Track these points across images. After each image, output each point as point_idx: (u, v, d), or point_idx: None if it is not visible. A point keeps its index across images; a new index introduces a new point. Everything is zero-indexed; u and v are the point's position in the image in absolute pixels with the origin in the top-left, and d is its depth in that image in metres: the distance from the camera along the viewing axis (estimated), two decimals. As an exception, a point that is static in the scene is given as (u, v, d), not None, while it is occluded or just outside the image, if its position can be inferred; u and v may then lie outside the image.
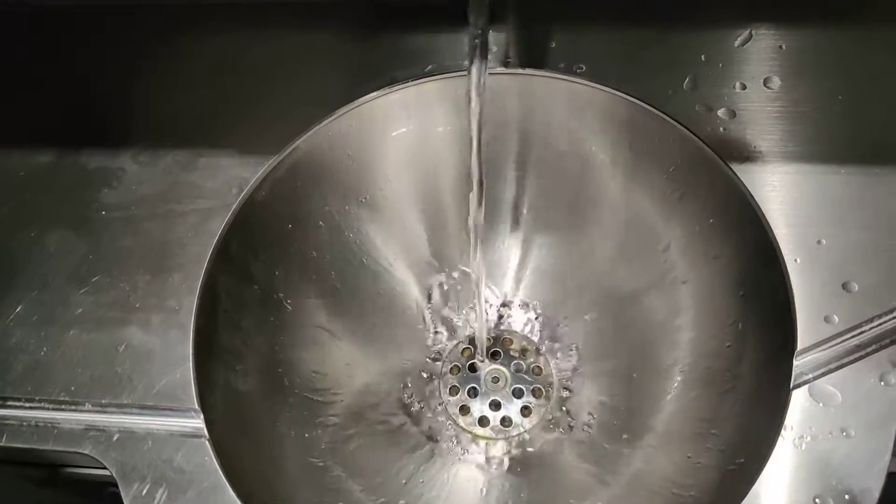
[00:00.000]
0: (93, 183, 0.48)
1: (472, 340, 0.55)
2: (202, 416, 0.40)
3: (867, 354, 0.37)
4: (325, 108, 0.48)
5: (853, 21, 0.47)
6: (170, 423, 0.40)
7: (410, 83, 0.49)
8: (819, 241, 0.40)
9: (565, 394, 0.53)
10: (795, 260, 0.40)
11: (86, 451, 0.39)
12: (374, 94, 0.49)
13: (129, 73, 0.52)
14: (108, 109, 0.51)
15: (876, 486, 0.34)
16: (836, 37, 0.47)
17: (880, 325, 0.38)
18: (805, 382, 0.37)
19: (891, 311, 0.38)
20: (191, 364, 0.41)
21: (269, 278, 0.49)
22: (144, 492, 0.38)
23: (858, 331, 0.38)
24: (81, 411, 0.41)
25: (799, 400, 0.37)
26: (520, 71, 0.49)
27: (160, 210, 0.46)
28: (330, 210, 0.51)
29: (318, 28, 0.52)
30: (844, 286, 0.39)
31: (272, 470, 0.43)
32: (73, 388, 0.41)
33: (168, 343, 0.42)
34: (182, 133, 0.49)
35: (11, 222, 0.47)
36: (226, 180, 0.47)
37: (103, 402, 0.41)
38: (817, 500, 0.34)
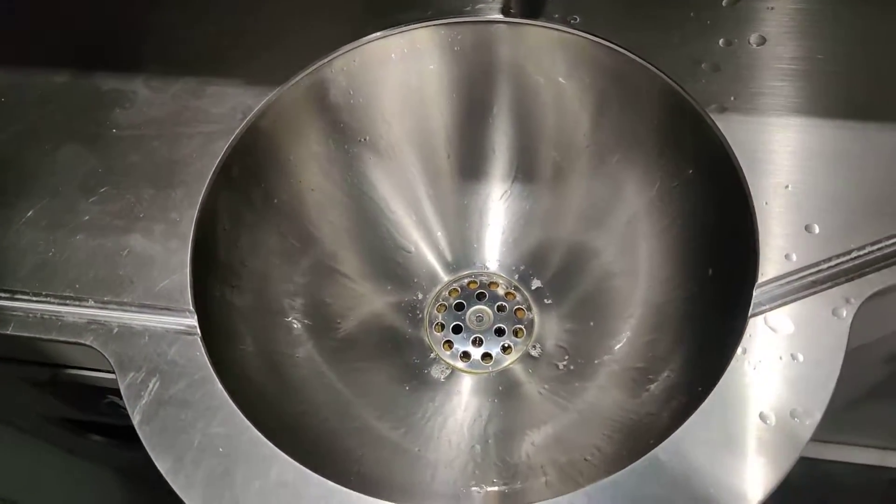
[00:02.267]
0: (106, 103, 0.51)
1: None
2: (196, 316, 0.42)
3: (822, 290, 0.39)
4: (331, 46, 0.51)
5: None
6: (165, 320, 0.42)
7: (410, 27, 0.51)
8: (787, 186, 0.42)
9: (540, 336, 0.55)
10: (765, 203, 0.42)
11: (87, 342, 0.42)
12: (376, 34, 0.51)
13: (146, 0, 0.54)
14: (125, 35, 0.54)
15: (819, 408, 0.37)
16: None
17: (837, 264, 0.40)
18: (762, 312, 0.39)
19: (848, 253, 0.40)
20: (188, 270, 0.44)
21: (267, 205, 0.51)
22: (139, 380, 0.41)
23: (816, 268, 0.40)
24: (84, 306, 0.43)
25: (756, 328, 0.39)
26: (512, 20, 0.51)
27: (168, 131, 0.49)
28: (329, 146, 0.54)
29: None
30: (807, 228, 0.41)
31: (257, 372, 0.45)
32: (77, 286, 0.44)
33: (168, 250, 0.45)
34: (193, 61, 0.52)
35: (28, 136, 0.50)
36: (232, 106, 0.49)
37: (105, 299, 0.43)
38: (762, 414, 0.37)
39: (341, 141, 0.54)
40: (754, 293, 0.40)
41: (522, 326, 0.56)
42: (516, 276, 0.58)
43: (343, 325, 0.53)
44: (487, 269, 0.58)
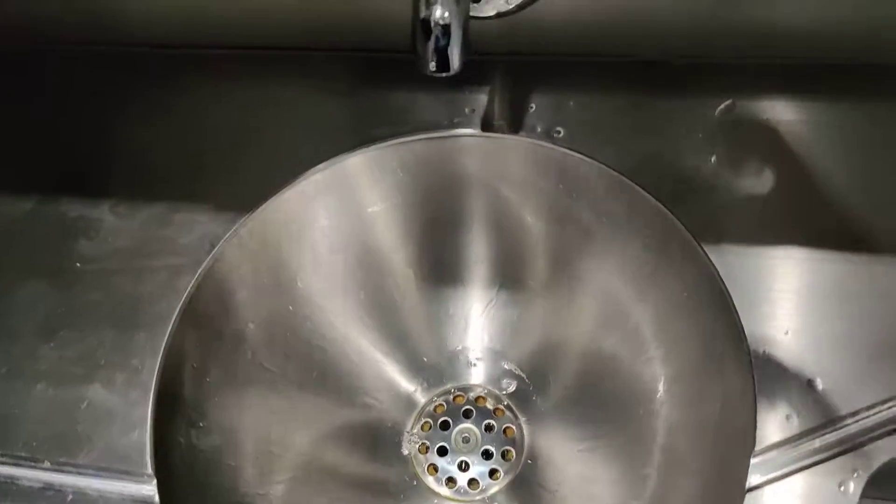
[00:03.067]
0: (71, 233, 0.49)
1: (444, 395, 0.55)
2: (155, 481, 0.40)
3: (826, 460, 0.36)
4: (303, 164, 0.49)
5: (859, 97, 0.45)
6: (123, 487, 0.40)
7: (380, 145, 0.48)
8: (786, 332, 0.39)
9: (532, 460, 0.52)
10: (763, 351, 0.39)
11: (41, 512, 0.40)
12: (346, 154, 0.48)
13: (111, 123, 0.52)
14: (90, 159, 0.52)
15: None
16: (833, 112, 0.46)
17: (842, 427, 0.36)
18: (759, 486, 0.36)
19: (855, 414, 0.37)
20: (148, 426, 0.41)
21: (236, 337, 0.49)
22: (93, 555, 0.38)
23: (819, 434, 0.37)
24: (40, 469, 0.41)
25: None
26: (495, 135, 0.48)
27: (132, 265, 0.47)
28: (300, 274, 0.51)
29: (299, 82, 0.52)
30: (809, 383, 0.38)
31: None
32: (34, 444, 0.42)
33: (128, 402, 0.42)
34: (160, 185, 0.49)
35: (-11, 269, 0.48)
36: (199, 236, 0.47)
37: (61, 460, 0.41)
38: None
39: (314, 265, 0.51)
40: (750, 462, 0.36)
41: (511, 448, 0.53)
42: (505, 390, 0.55)
43: (322, 449, 0.51)
44: (472, 382, 0.55)
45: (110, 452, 0.41)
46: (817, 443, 0.36)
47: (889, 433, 0.36)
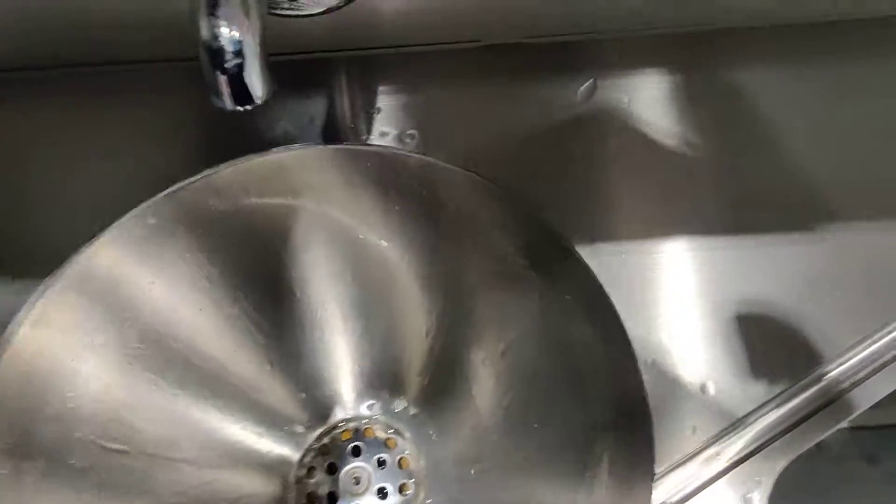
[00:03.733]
0: None
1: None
2: None
3: (728, 470, 0.34)
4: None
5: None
6: None
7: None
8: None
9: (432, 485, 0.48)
10: (650, 362, 0.36)
11: None
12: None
13: None
14: None
15: None
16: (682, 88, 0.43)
17: (739, 433, 0.34)
18: (665, 510, 0.33)
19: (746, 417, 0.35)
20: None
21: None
22: None
23: (718, 442, 0.34)
24: None
25: (659, 530, 0.33)
26: (342, 146, 0.42)
27: None
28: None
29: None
30: (702, 388, 0.35)
31: None
32: None
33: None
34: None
35: None
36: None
37: None
38: None
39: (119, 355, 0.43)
40: (654, 488, 0.33)
41: (408, 480, 0.49)
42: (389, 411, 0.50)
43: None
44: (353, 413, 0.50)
45: None
46: (716, 451, 0.34)
47: (785, 432, 0.34)
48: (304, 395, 0.49)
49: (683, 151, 0.41)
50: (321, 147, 0.39)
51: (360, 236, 0.43)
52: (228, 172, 0.38)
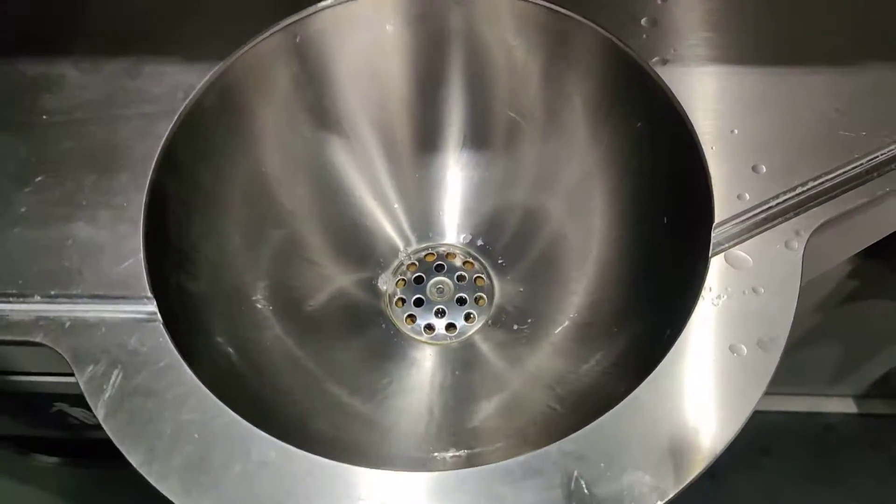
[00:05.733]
0: (32, 89, 0.47)
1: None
2: (155, 302, 0.40)
3: (774, 225, 0.41)
4: (273, 16, 0.49)
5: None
6: (122, 308, 0.40)
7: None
8: (732, 131, 0.44)
9: (501, 302, 0.56)
10: (712, 148, 0.44)
11: (37, 340, 0.39)
12: (324, 3, 0.50)
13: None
14: (47, 16, 0.50)
15: (782, 334, 0.38)
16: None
17: (785, 200, 0.42)
18: (721, 251, 0.41)
19: (793, 189, 0.42)
20: (142, 254, 0.42)
21: (218, 188, 0.49)
22: (100, 373, 0.38)
23: (766, 206, 0.42)
24: (30, 302, 0.41)
25: (716, 266, 0.41)
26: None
27: (104, 114, 0.46)
28: (281, 123, 0.52)
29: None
30: (754, 168, 0.43)
31: (224, 356, 0.44)
32: (20, 282, 0.41)
33: (117, 236, 0.42)
34: (124, 40, 0.49)
35: (-54, 129, 0.46)
36: (172, 86, 0.47)
37: (52, 293, 0.41)
38: (732, 347, 0.38)
39: (293, 117, 0.53)
40: (712, 234, 0.41)
41: (483, 294, 0.56)
42: (473, 245, 0.58)
43: (307, 306, 0.52)
44: (445, 240, 0.58)
45: (103, 282, 0.41)
46: (765, 213, 0.42)
47: (821, 203, 0.42)
48: (407, 219, 0.58)
49: None
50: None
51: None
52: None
